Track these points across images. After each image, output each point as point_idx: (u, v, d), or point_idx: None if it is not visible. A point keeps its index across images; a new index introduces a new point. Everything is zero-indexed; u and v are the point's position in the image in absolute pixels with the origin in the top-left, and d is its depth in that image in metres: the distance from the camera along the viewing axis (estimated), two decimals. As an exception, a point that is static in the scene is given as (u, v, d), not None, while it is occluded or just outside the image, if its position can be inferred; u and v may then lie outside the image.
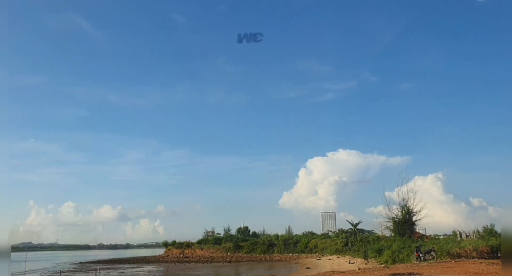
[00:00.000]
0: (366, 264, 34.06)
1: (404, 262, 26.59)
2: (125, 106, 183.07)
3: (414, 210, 38.37)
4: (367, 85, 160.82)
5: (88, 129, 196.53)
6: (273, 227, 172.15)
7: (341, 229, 69.70)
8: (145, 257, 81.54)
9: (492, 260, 21.98)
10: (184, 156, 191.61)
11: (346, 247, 54.89)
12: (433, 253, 24.64)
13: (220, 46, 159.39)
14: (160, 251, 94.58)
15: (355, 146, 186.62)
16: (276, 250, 70.84)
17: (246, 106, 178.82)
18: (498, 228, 40.83)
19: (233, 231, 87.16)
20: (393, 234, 40.47)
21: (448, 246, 27.41)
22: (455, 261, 23.14)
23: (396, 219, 39.00)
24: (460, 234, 47.97)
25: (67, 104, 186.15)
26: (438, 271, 18.23)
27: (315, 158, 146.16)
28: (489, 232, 41.98)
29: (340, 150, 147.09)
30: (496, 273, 16.10)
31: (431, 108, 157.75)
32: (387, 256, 30.40)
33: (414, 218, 38.88)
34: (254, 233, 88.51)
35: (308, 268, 42.43)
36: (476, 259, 23.93)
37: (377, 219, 41.91)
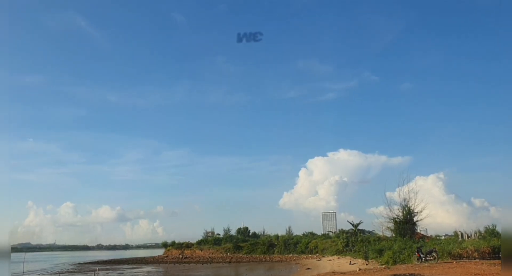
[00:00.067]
0: (367, 264, 34.07)
1: (405, 263, 26.60)
2: (125, 106, 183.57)
3: (415, 211, 38.42)
4: (367, 85, 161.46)
5: (87, 129, 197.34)
6: (273, 227, 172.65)
7: (342, 229, 69.82)
8: (144, 257, 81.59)
9: (494, 261, 21.99)
10: (184, 156, 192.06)
11: (347, 248, 54.94)
12: (434, 254, 24.66)
13: (220, 46, 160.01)
14: (160, 252, 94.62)
15: (356, 146, 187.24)
16: (276, 251, 70.88)
17: (246, 106, 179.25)
18: (500, 229, 40.88)
19: (233, 232, 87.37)
20: (394, 235, 40.53)
21: (450, 247, 27.43)
22: (456, 262, 23.15)
23: (397, 220, 39.05)
24: (462, 234, 48.08)
25: (66, 104, 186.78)
26: (439, 272, 18.24)
27: (316, 158, 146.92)
28: (491, 233, 42.09)
29: (341, 150, 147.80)
30: (498, 274, 16.11)
31: (432, 108, 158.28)
32: (388, 256, 30.41)
33: (415, 219, 38.93)
34: (254, 233, 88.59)
35: (308, 268, 42.46)
36: (478, 260, 23.94)
37: (378, 219, 42.00)
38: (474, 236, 45.02)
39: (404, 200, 38.80)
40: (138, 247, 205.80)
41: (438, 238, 54.71)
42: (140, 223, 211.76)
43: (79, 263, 70.28)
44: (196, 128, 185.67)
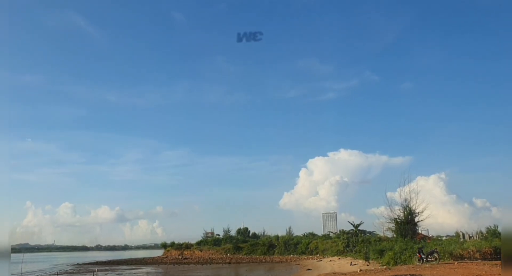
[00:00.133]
0: (367, 265, 34.06)
1: (406, 264, 26.60)
2: (124, 106, 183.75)
3: (417, 211, 38.39)
4: (368, 84, 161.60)
5: (86, 129, 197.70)
6: (274, 228, 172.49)
7: (342, 230, 69.73)
8: (143, 258, 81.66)
9: (496, 262, 21.98)
10: (184, 156, 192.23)
11: (348, 249, 54.96)
12: (435, 255, 24.65)
13: (220, 45, 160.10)
14: (159, 253, 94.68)
15: (357, 146, 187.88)
16: (276, 252, 70.92)
17: (246, 106, 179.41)
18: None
19: (233, 232, 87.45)
20: (395, 235, 40.49)
21: (451, 247, 27.43)
22: (458, 263, 23.14)
23: (398, 220, 39.02)
24: (463, 235, 48.04)
25: (65, 104, 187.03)
26: (441, 272, 18.25)
27: (316, 158, 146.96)
28: (493, 233, 42.01)
29: (342, 150, 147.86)
30: (499, 275, 16.12)
31: (433, 108, 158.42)
32: (389, 257, 30.40)
33: (416, 219, 38.90)
34: (254, 234, 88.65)
35: (309, 269, 42.49)
36: (479, 261, 23.94)
37: (378, 220, 41.95)
38: (476, 236, 44.98)
39: (405, 200, 38.78)
40: (137, 247, 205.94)
41: (439, 238, 54.65)
42: (140, 224, 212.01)
43: (77, 264, 70.31)
44: (195, 128, 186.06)
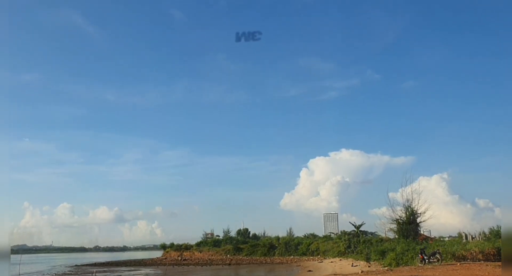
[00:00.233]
0: (369, 267, 34.06)
1: (408, 265, 26.61)
2: (123, 105, 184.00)
3: (419, 211, 38.40)
4: (370, 83, 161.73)
5: (85, 129, 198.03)
6: (274, 228, 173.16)
7: (344, 231, 69.69)
8: (142, 259, 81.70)
9: (499, 263, 21.96)
10: (183, 155, 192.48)
11: (349, 250, 54.91)
12: (438, 256, 24.66)
13: (219, 44, 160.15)
14: (158, 254, 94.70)
15: (358, 146, 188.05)
16: (277, 253, 70.93)
17: (246, 105, 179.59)
18: (505, 230, 40.81)
19: (233, 233, 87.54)
20: (397, 236, 40.49)
21: (454, 248, 27.43)
22: (460, 264, 23.14)
23: (400, 221, 39.02)
24: (466, 235, 47.98)
25: (64, 103, 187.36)
26: (443, 274, 18.25)
27: (317, 157, 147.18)
28: (496, 234, 41.94)
29: (343, 150, 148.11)
30: (502, 276, 16.11)
31: (436, 107, 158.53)
32: (391, 258, 30.41)
33: (418, 220, 38.91)
34: (254, 235, 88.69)
35: (309, 271, 42.50)
36: (482, 262, 23.93)
37: (380, 220, 41.98)
38: (479, 237, 44.96)
39: (407, 200, 38.80)
40: (136, 248, 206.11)
41: (441, 239, 54.59)
42: (138, 224, 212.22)
43: (76, 265, 70.32)
44: (195, 127, 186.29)
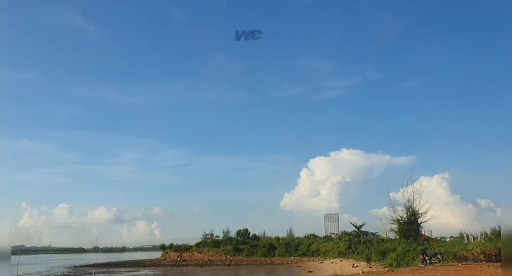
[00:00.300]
0: (370, 267, 34.07)
1: (409, 266, 26.62)
2: (122, 104, 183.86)
3: (420, 212, 38.45)
4: (371, 82, 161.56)
5: (83, 129, 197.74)
6: (274, 229, 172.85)
7: (344, 231, 69.71)
8: (141, 260, 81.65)
9: (500, 263, 21.99)
10: (182, 155, 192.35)
11: (350, 250, 54.91)
12: (439, 256, 24.67)
13: (219, 43, 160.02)
14: (157, 254, 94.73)
15: (359, 145, 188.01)
16: (277, 253, 70.92)
17: (246, 105, 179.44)
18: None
19: (233, 234, 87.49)
20: (398, 237, 40.54)
21: (455, 249, 27.45)
22: (462, 265, 23.14)
23: (401, 221, 39.06)
24: (467, 236, 47.97)
25: (61, 102, 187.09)
26: (445, 274, 18.27)
27: (317, 157, 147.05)
28: (497, 234, 41.88)
29: (343, 150, 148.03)
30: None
31: (437, 106, 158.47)
32: (392, 259, 30.42)
33: (419, 220, 38.95)
34: (254, 235, 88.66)
35: (310, 271, 42.52)
36: (484, 262, 23.94)
37: (381, 220, 42.03)
38: (480, 237, 44.94)
39: (408, 200, 38.86)
40: (135, 249, 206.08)
41: (443, 240, 54.66)
42: (137, 225, 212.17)
43: (74, 266, 70.34)
44: (194, 127, 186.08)
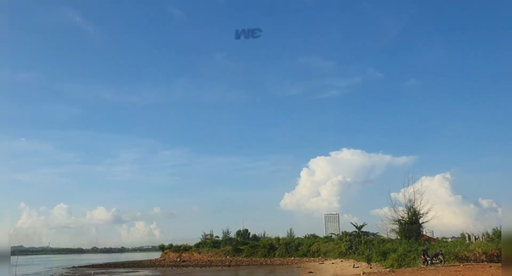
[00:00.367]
0: (370, 268, 34.09)
1: (411, 266, 26.64)
2: (120, 104, 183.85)
3: (421, 212, 38.52)
4: (371, 81, 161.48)
5: (82, 128, 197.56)
6: (274, 229, 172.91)
7: (345, 231, 69.76)
8: (140, 261, 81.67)
9: (502, 264, 22.00)
10: (182, 155, 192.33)
11: (350, 251, 54.95)
12: (440, 257, 24.70)
13: (219, 42, 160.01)
14: (157, 255, 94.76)
15: (360, 145, 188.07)
16: (277, 254, 70.92)
17: (246, 104, 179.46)
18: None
19: (232, 234, 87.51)
20: (399, 237, 40.60)
21: (456, 249, 27.48)
22: (463, 265, 23.17)
23: (402, 221, 39.13)
24: (469, 236, 48.05)
25: (59, 102, 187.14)
26: (446, 275, 18.28)
27: (318, 157, 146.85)
28: (499, 235, 41.92)
29: (344, 149, 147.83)
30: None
31: (439, 106, 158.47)
32: (393, 259, 30.44)
33: (420, 220, 39.01)
34: (254, 235, 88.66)
35: (310, 272, 42.54)
36: (486, 263, 23.97)
37: (382, 221, 42.09)
38: (482, 238, 45.01)
39: (410, 201, 38.94)
40: (134, 250, 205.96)
41: (444, 240, 54.69)
42: (137, 225, 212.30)
43: (73, 267, 70.38)
44: (194, 127, 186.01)
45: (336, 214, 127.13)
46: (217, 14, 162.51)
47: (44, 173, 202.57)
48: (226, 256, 75.03)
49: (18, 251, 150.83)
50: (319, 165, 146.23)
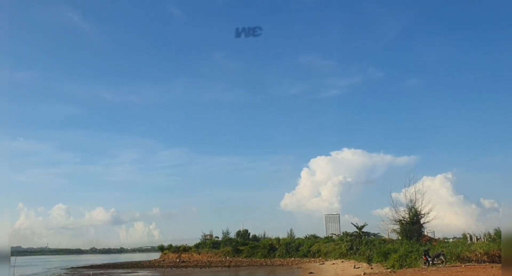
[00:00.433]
0: (371, 268, 34.11)
1: (412, 267, 26.66)
2: (119, 103, 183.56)
3: (422, 212, 38.55)
4: (372, 81, 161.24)
5: (80, 128, 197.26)
6: (274, 230, 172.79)
7: (346, 232, 69.77)
8: (139, 261, 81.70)
9: (504, 264, 21.99)
10: (181, 155, 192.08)
11: (351, 251, 54.98)
12: (442, 257, 24.72)
13: (218, 41, 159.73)
14: (156, 256, 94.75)
15: (360, 145, 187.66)
16: (277, 254, 70.93)
17: (246, 104, 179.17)
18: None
19: (232, 234, 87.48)
20: (400, 237, 40.64)
21: (458, 250, 27.52)
22: (465, 266, 23.19)
23: (403, 221, 39.16)
24: (471, 237, 48.14)
25: (58, 101, 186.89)
26: (447, 276, 18.28)
27: (318, 157, 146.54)
28: (501, 235, 42.04)
29: (345, 149, 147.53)
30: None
31: (440, 105, 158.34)
32: (394, 260, 30.46)
33: (422, 220, 39.05)
34: (254, 236, 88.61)
35: (311, 273, 42.56)
36: (487, 264, 23.98)
37: (383, 221, 42.11)
38: (484, 238, 45.09)
39: (411, 201, 38.97)
40: (134, 250, 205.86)
41: (446, 240, 54.71)
42: (136, 226, 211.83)
43: (72, 268, 70.38)
44: (193, 126, 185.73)
45: (337, 214, 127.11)
46: (216, 14, 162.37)
47: (42, 173, 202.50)
48: (226, 257, 75.06)
49: (16, 251, 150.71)
50: (320, 165, 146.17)
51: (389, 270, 27.69)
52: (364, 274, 24.65)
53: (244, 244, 78.87)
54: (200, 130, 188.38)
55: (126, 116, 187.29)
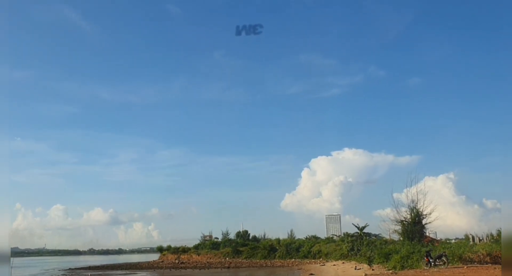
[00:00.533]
0: (372, 270, 34.12)
1: (413, 268, 26.68)
2: (118, 103, 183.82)
3: (424, 213, 38.55)
4: (374, 80, 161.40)
5: (78, 128, 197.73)
6: (274, 230, 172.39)
7: (347, 232, 69.75)
8: (138, 262, 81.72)
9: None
10: (180, 155, 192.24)
11: (352, 252, 55.01)
12: (444, 258, 24.73)
13: (218, 40, 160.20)
14: (155, 257, 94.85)
15: (362, 145, 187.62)
16: (277, 255, 70.93)
17: (246, 103, 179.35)
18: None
19: (232, 235, 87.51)
20: (401, 238, 40.65)
21: (460, 251, 27.51)
22: (467, 267, 23.21)
23: (404, 222, 39.16)
24: (473, 237, 48.18)
25: (55, 101, 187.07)
26: (450, 277, 18.28)
27: (319, 157, 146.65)
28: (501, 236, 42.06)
29: (346, 149, 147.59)
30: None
31: (442, 105, 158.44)
32: (395, 261, 30.48)
33: (424, 221, 39.06)
34: (254, 237, 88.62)
35: (311, 274, 42.56)
36: (490, 265, 23.99)
37: (384, 222, 42.12)
38: (486, 239, 45.15)
39: (412, 201, 38.98)
40: (132, 251, 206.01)
41: (448, 241, 54.83)
42: (134, 226, 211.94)
43: (70, 269, 70.39)
44: (193, 126, 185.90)
45: (338, 214, 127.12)
46: (216, 12, 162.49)
47: (40, 173, 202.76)
48: (225, 258, 75.09)
49: (14, 252, 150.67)
50: (320, 165, 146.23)
51: (390, 271, 27.68)
52: (365, 275, 24.66)
53: (244, 245, 78.87)
54: (199, 130, 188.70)
55: (125, 116, 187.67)
